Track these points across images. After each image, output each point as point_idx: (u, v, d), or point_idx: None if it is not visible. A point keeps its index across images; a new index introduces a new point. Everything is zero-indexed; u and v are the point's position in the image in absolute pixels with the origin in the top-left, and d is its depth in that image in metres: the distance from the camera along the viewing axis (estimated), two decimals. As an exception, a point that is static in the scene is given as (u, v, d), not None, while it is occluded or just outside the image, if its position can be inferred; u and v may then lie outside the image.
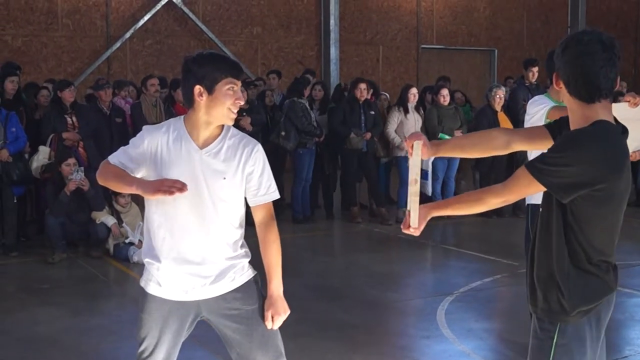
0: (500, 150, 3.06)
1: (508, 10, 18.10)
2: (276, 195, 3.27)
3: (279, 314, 3.22)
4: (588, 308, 2.71)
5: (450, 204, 2.93)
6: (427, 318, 6.16)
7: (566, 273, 2.71)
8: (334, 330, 5.82)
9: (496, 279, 7.26)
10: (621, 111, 4.56)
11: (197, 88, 3.06)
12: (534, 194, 2.73)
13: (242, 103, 3.13)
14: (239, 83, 3.10)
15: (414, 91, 10.34)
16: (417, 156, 2.97)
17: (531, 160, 2.68)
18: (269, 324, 3.21)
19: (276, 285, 3.25)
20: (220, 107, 3.06)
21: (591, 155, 2.58)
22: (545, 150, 2.73)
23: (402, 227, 2.97)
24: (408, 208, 2.94)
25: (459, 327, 5.89)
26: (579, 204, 2.64)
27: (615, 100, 5.09)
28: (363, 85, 9.96)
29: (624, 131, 2.74)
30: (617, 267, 2.82)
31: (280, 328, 3.27)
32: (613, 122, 2.72)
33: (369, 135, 9.93)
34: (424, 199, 9.51)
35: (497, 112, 10.02)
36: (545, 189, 2.65)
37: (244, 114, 9.39)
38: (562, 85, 2.73)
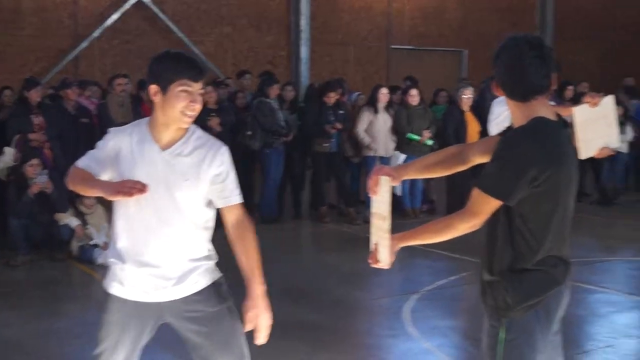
0: (461, 166, 3.09)
1: (478, 12, 18.19)
2: (240, 199, 3.23)
3: (263, 314, 3.16)
4: (533, 302, 2.76)
5: (419, 234, 2.94)
6: (394, 316, 6.19)
7: (511, 272, 2.76)
8: (300, 330, 5.81)
9: (462, 277, 7.30)
10: (584, 112, 4.61)
11: (152, 87, 3.04)
12: (497, 208, 2.74)
13: (198, 107, 3.05)
14: (197, 85, 3.03)
15: (384, 91, 10.41)
16: (387, 192, 2.95)
17: (479, 177, 2.74)
18: (249, 326, 3.16)
19: (259, 284, 3.17)
20: (172, 109, 3.02)
21: (525, 152, 2.65)
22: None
23: (370, 261, 2.99)
24: (375, 242, 2.94)
25: (425, 325, 5.93)
26: (523, 204, 2.70)
27: (577, 103, 5.14)
28: (333, 94, 10.05)
29: (565, 125, 2.83)
30: (569, 261, 2.86)
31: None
32: (553, 117, 2.78)
33: (339, 125, 9.95)
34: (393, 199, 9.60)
35: (464, 112, 10.05)
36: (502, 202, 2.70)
37: (213, 114, 9.35)
38: (501, 90, 2.82)
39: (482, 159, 2.98)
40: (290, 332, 5.74)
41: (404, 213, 10.15)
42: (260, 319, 3.17)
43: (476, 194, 2.73)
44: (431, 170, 3.18)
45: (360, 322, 6.32)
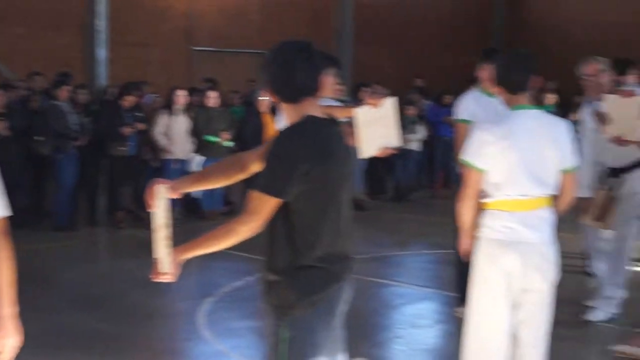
0: (240, 173, 3.09)
1: (279, 14, 18.42)
2: (5, 212, 2.98)
3: (8, 337, 2.97)
4: (314, 299, 2.80)
5: (201, 243, 2.87)
6: (189, 320, 6.13)
7: (291, 269, 2.81)
8: (92, 339, 5.63)
9: (259, 277, 7.32)
10: (365, 113, 4.75)
11: None
12: (276, 207, 2.75)
13: None
14: None
15: (181, 93, 10.33)
16: (163, 200, 2.91)
17: (256, 179, 2.76)
18: None
19: (6, 306, 2.97)
20: None
21: (296, 149, 2.72)
22: None
23: (152, 277, 2.90)
24: (158, 255, 2.85)
25: (220, 327, 5.94)
26: (298, 201, 2.75)
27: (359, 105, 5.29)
28: (130, 97, 9.91)
29: (333, 123, 2.92)
30: (350, 257, 2.93)
31: (24, 340, 3.04)
32: (323, 116, 2.88)
33: (141, 125, 9.83)
34: (191, 202, 9.48)
35: (262, 113, 10.11)
36: (281, 200, 2.72)
37: (1, 117, 8.87)
38: (272, 94, 2.89)
39: (260, 165, 2.99)
40: (81, 342, 5.56)
41: (203, 215, 10.08)
42: (6, 342, 2.98)
43: (253, 195, 2.74)
44: (210, 180, 3.17)
45: (155, 328, 6.19)
